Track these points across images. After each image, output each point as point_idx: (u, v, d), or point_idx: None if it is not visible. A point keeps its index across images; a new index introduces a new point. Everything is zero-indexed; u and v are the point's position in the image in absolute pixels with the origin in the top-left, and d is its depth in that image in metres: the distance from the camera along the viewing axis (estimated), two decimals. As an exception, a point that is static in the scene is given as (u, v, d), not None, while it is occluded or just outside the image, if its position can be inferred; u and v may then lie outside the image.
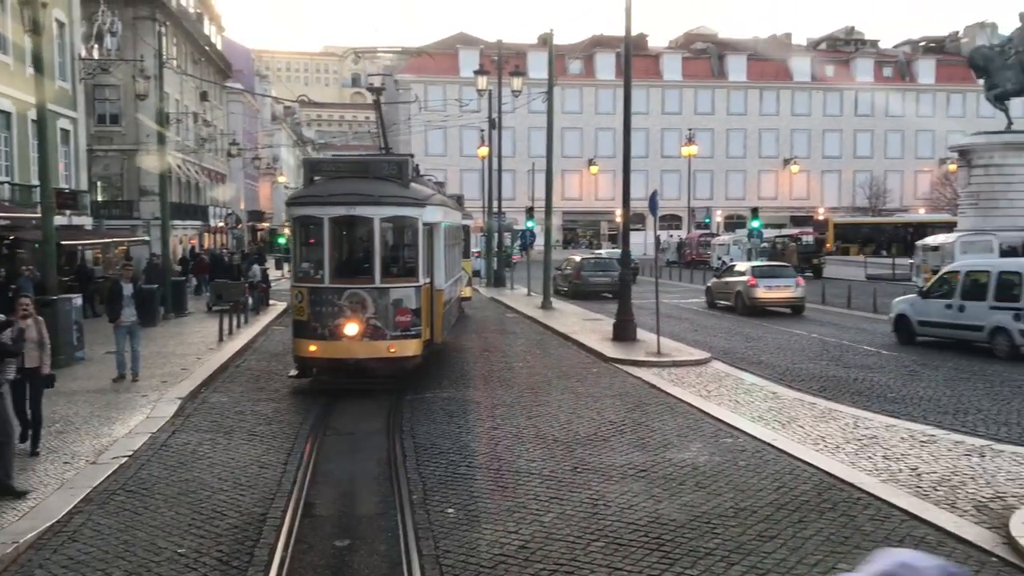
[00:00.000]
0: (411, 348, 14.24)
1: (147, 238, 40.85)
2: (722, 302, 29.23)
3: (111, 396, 14.07)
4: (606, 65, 79.90)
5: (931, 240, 37.74)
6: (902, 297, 21.91)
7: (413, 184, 15.46)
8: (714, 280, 31.20)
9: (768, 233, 51.29)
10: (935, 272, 29.27)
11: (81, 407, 13.14)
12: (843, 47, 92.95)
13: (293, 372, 14.92)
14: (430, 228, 15.18)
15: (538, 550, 7.17)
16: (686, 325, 24.34)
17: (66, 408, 12.97)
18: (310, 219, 14.71)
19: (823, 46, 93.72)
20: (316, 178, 15.49)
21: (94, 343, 19.00)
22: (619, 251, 37.38)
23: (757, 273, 27.78)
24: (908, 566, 2.01)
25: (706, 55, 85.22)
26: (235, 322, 22.78)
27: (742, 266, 30.12)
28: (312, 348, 14.00)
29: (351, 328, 13.80)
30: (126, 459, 10.17)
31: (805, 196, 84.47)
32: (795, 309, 27.35)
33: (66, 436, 11.28)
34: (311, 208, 14.61)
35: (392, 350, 13.95)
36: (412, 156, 16.51)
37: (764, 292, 26.96)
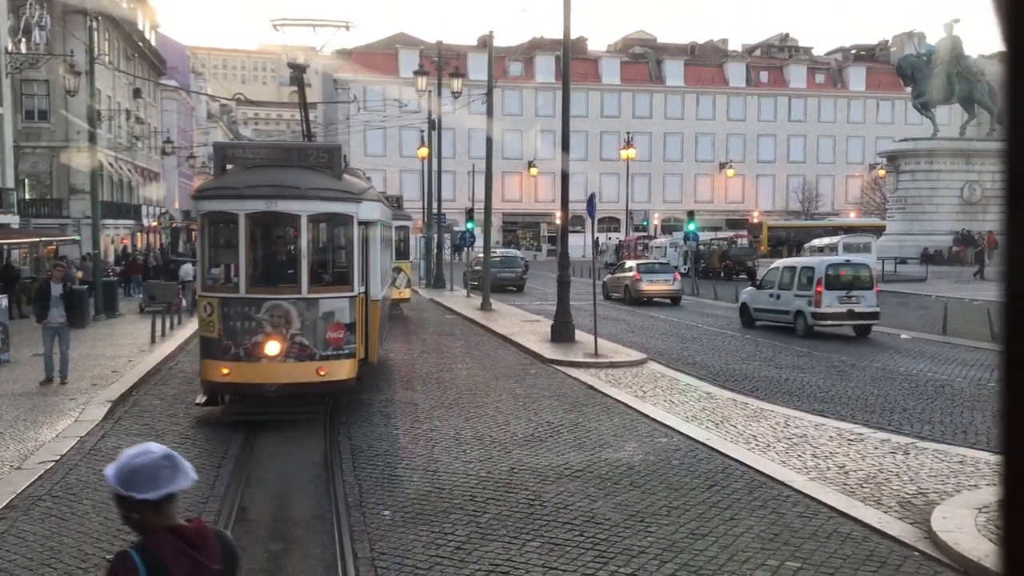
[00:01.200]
0: (344, 370, 12.16)
1: (77, 237, 39.86)
2: (614, 294, 33.78)
3: (38, 399, 13.71)
4: (545, 67, 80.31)
5: (817, 242, 41.90)
6: (746, 288, 25.84)
7: (346, 176, 13.25)
8: (608, 276, 36.09)
9: (704, 236, 52.08)
10: None
11: (6, 411, 12.79)
12: (777, 54, 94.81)
13: (200, 399, 12.57)
14: (366, 227, 13.03)
15: (474, 551, 7.19)
16: (623, 326, 24.59)
17: (-10, 412, 12.60)
18: (222, 215, 12.42)
19: (758, 52, 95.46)
20: (229, 167, 13.02)
21: (20, 345, 18.50)
22: (513, 251, 39.64)
23: (641, 269, 32.92)
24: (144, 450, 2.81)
25: (644, 59, 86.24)
26: (168, 323, 22.35)
27: (629, 263, 35.49)
28: (224, 371, 11.68)
29: (272, 347, 11.60)
30: (53, 464, 9.92)
31: (740, 200, 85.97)
32: (673, 300, 32.31)
33: (-10, 441, 10.95)
34: (223, 202, 12.22)
35: (322, 373, 11.84)
36: (340, 147, 13.88)
37: (647, 285, 31.94)
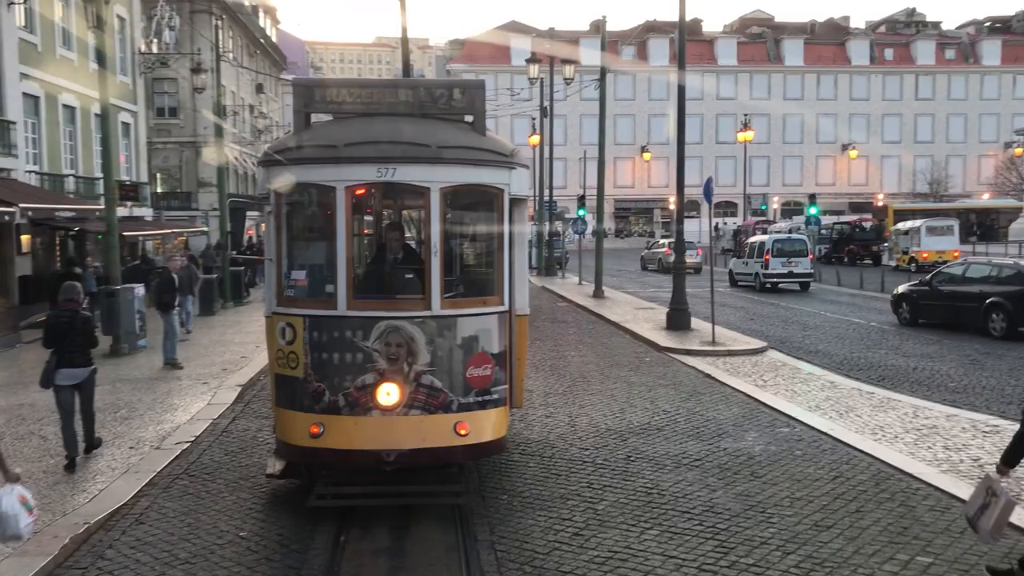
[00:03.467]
0: (493, 425, 8.08)
1: (206, 228, 41.61)
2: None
3: (173, 383, 14.41)
4: (659, 51, 79.25)
5: (902, 225, 43.31)
6: (735, 260, 35.42)
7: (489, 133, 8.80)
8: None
9: (826, 220, 50.51)
10: (905, 253, 41.70)
11: (144, 394, 13.48)
12: (903, 29, 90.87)
13: (274, 469, 8.58)
14: (517, 207, 8.46)
15: (592, 537, 7.20)
16: (741, 314, 24.13)
17: (130, 395, 13.33)
18: (308, 191, 8.28)
19: (882, 29, 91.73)
20: (316, 119, 8.99)
21: (156, 331, 19.46)
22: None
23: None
24: None
25: (762, 39, 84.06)
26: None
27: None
28: (314, 430, 7.65)
29: (389, 393, 7.62)
30: (188, 444, 10.42)
31: (864, 182, 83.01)
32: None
33: (131, 422, 11.59)
34: (310, 169, 7.99)
35: (463, 431, 7.73)
36: (483, 84, 8.99)
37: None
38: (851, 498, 8.10)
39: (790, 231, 49.13)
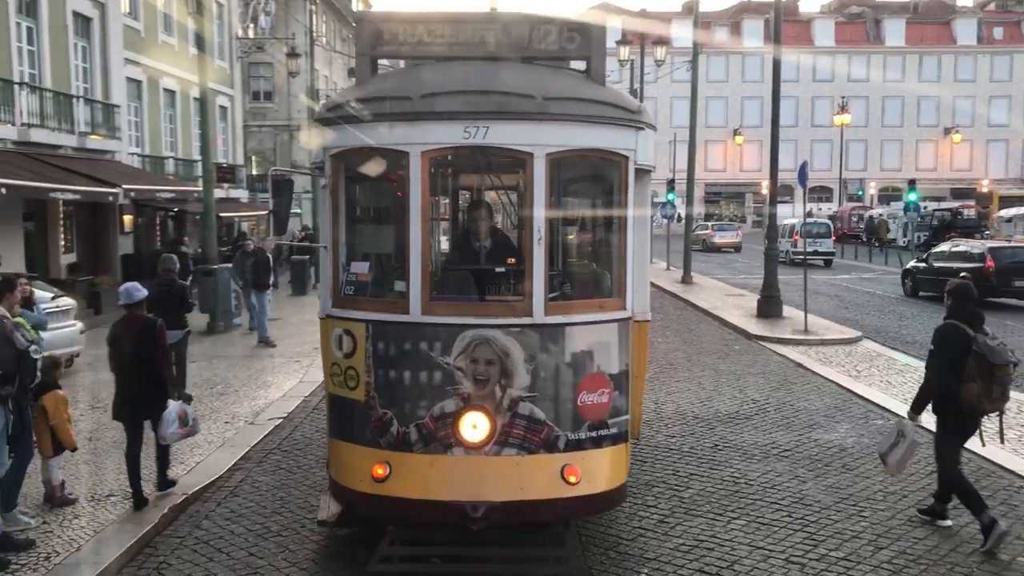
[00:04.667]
0: (610, 469, 6.37)
1: (299, 211, 42.53)
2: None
3: (267, 361, 14.80)
4: (754, 31, 77.48)
5: (1005, 212, 41.94)
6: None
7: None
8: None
9: (926, 207, 48.78)
10: (1008, 239, 38.25)
11: (240, 371, 13.88)
12: (1015, 7, 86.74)
13: (327, 513, 6.89)
14: (641, 181, 6.69)
15: (677, 525, 7.13)
16: (835, 302, 23.53)
17: (226, 371, 13.74)
18: (373, 157, 6.52)
19: (992, 7, 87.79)
20: (386, 62, 7.83)
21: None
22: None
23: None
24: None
25: (861, 19, 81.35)
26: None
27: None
28: (378, 471, 6.06)
29: (474, 425, 5.96)
30: (281, 420, 10.69)
31: (967, 167, 79.74)
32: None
33: (226, 398, 11.95)
34: (375, 130, 6.23)
35: (572, 478, 6.03)
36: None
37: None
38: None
39: (891, 217, 47.74)
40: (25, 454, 6.93)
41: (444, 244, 9.17)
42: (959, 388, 6.79)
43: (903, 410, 10.88)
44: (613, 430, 6.27)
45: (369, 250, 7.03)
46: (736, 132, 72.90)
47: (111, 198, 21.59)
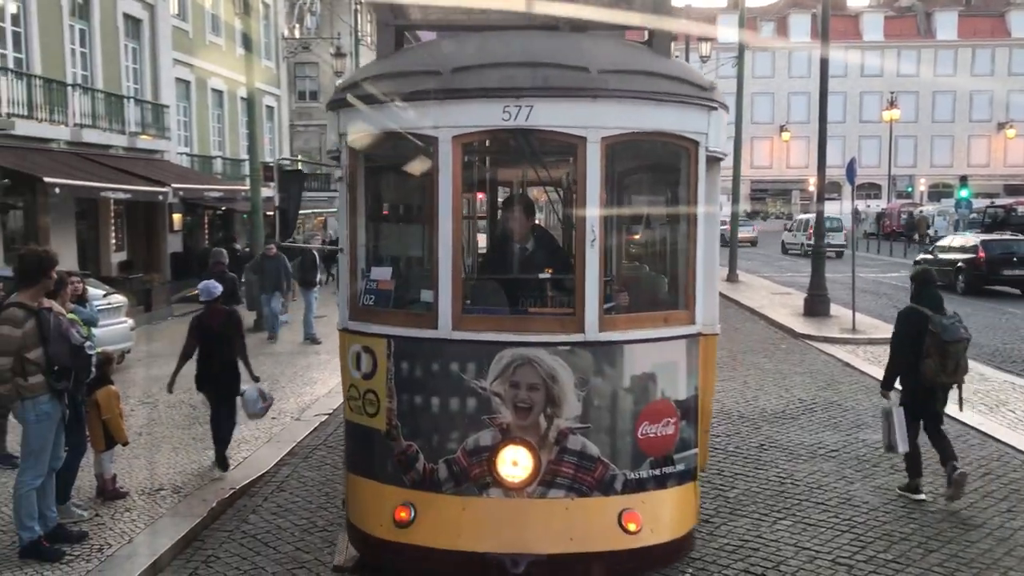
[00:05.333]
0: (676, 513, 5.65)
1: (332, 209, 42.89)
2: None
3: (312, 358, 14.95)
4: (801, 26, 76.54)
5: None
6: (786, 232, 46.09)
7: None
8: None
9: (978, 204, 47.76)
10: None
11: (287, 367, 14.04)
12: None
13: (343, 558, 6.11)
14: (712, 171, 5.77)
15: (722, 525, 7.07)
16: (883, 301, 23.16)
17: (272, 368, 13.91)
18: (395, 144, 5.62)
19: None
20: (415, 36, 6.99)
21: (297, 308, 20.21)
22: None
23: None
24: None
25: (911, 12, 79.97)
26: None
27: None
28: (400, 515, 5.31)
29: (515, 462, 5.16)
30: (326, 417, 10.79)
31: (1022, 163, 77.96)
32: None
33: (273, 393, 12.08)
34: (398, 111, 5.27)
35: (632, 525, 5.23)
36: None
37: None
38: (1001, 496, 7.68)
39: (942, 214, 46.97)
40: (79, 448, 7.08)
41: (481, 246, 8.55)
42: (919, 364, 7.46)
43: (955, 411, 10.73)
44: (680, 467, 5.43)
45: (392, 253, 6.31)
46: (783, 128, 72.09)
47: (161, 197, 21.97)
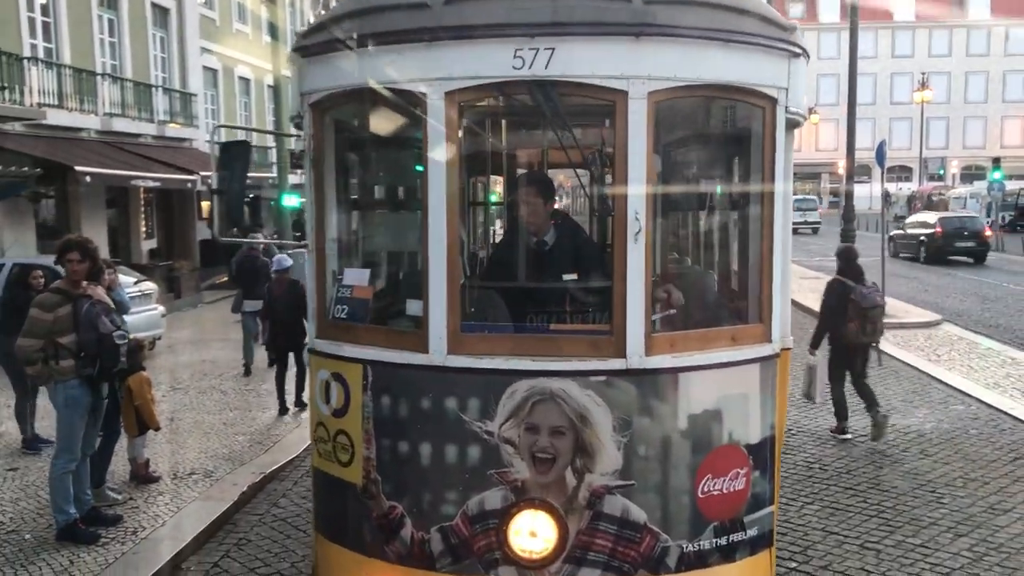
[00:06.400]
0: None
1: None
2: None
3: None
4: (830, 7, 75.69)
5: None
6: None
7: None
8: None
9: (1012, 186, 47.08)
10: None
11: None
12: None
13: None
14: (789, 137, 4.38)
15: (749, 510, 7.07)
16: (915, 284, 22.94)
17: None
18: (374, 105, 4.37)
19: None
20: None
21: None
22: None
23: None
24: None
25: (943, -9, 78.70)
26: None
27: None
28: None
29: (533, 532, 3.79)
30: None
31: (1056, 144, 76.70)
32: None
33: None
34: (376, 59, 3.84)
35: None
36: None
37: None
38: (1033, 482, 7.62)
39: (974, 196, 46.43)
40: (114, 434, 7.21)
41: (484, 242, 7.15)
42: (843, 327, 8.75)
43: (986, 396, 10.67)
44: (752, 531, 4.11)
45: (372, 250, 5.10)
46: (811, 110, 71.24)
47: (189, 185, 22.16)
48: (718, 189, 5.38)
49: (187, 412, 10.14)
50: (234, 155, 4.55)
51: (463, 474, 3.84)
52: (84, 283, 6.28)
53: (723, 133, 5.06)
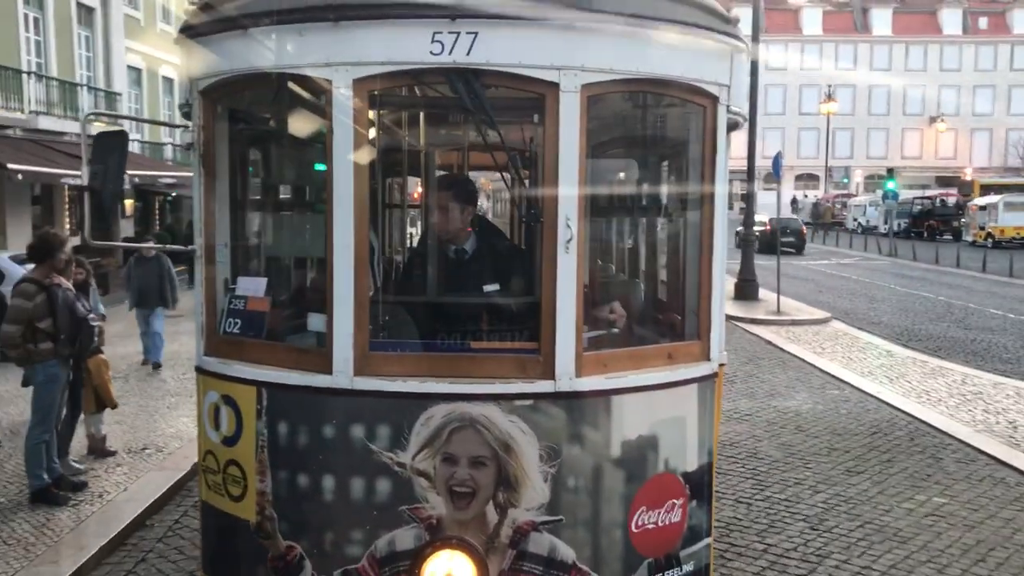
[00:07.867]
0: None
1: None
2: None
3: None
4: (742, 20, 78.30)
5: (979, 201, 44.21)
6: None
7: None
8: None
9: (908, 194, 49.97)
10: (981, 228, 43.00)
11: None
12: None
13: None
14: (728, 136, 4.16)
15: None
16: (811, 286, 24.62)
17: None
18: (271, 93, 3.76)
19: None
20: None
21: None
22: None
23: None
24: None
25: (848, 8, 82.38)
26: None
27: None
28: None
29: (448, 575, 3.45)
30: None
31: (952, 156, 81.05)
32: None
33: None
34: (273, 41, 3.52)
35: None
36: None
37: None
38: (885, 450, 8.88)
39: (873, 204, 49.11)
40: (76, 409, 7.91)
41: (400, 248, 6.67)
42: None
43: (858, 382, 12.04)
44: (688, 567, 3.88)
45: (268, 256, 4.63)
46: (724, 120, 73.75)
47: (117, 183, 22.40)
48: (661, 192, 5.14)
49: (132, 397, 10.78)
50: (109, 147, 4.02)
51: (371, 511, 3.50)
52: (53, 274, 7.02)
53: (659, 134, 4.81)
